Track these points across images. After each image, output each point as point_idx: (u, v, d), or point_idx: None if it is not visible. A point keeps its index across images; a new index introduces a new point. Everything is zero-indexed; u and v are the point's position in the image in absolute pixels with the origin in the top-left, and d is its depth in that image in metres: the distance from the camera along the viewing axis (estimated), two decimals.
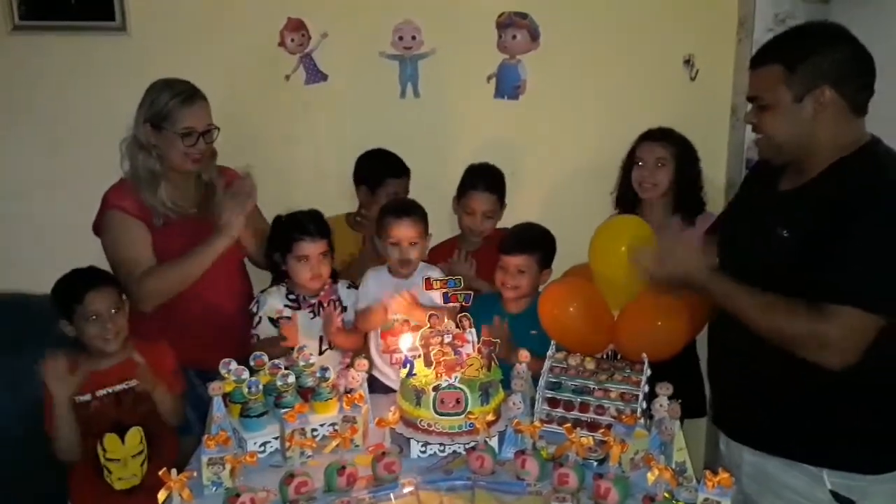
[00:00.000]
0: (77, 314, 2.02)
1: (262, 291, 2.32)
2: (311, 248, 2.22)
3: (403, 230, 2.23)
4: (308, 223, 2.24)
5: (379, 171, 2.61)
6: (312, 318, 2.26)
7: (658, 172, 2.39)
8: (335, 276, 2.35)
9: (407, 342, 1.93)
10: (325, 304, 2.27)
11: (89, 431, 2.01)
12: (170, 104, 2.13)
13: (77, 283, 2.05)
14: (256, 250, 2.37)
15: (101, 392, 2.02)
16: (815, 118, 1.60)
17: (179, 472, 1.54)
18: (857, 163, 1.59)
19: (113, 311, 2.05)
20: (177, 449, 2.15)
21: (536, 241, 2.31)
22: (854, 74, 1.59)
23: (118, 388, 2.04)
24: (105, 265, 2.19)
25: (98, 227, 2.21)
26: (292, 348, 2.11)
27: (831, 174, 1.61)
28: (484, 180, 2.56)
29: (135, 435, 2.04)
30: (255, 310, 2.25)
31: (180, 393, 2.14)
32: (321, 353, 2.25)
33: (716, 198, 2.75)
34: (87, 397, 2.02)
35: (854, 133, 1.62)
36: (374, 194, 2.59)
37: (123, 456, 2.03)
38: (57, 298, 2.06)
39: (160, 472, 1.50)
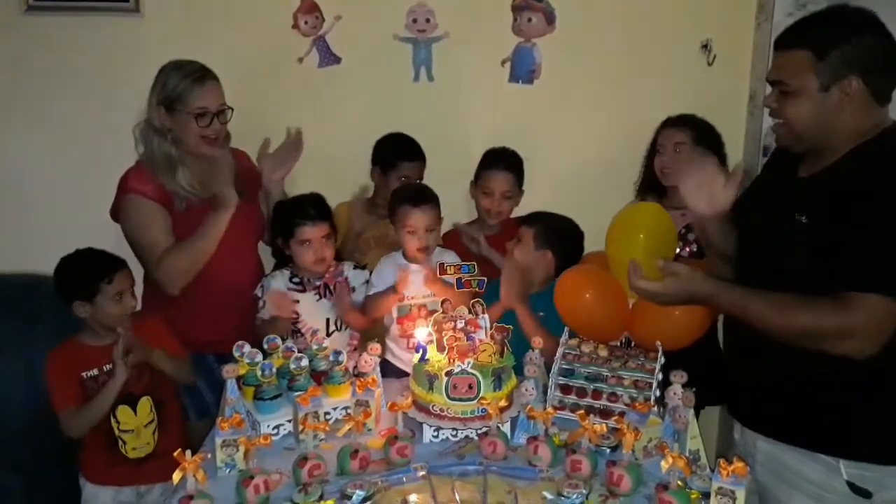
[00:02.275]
0: (103, 294, 2.05)
1: (267, 275, 2.33)
2: (313, 231, 2.21)
3: (420, 219, 2.22)
4: (309, 207, 2.24)
5: (392, 153, 2.60)
6: (318, 301, 2.26)
7: (678, 158, 2.35)
8: (339, 257, 2.35)
9: (423, 333, 1.91)
10: (332, 286, 2.27)
11: None
12: (182, 85, 2.12)
13: (105, 264, 2.08)
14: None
15: (107, 366, 2.05)
16: (840, 108, 1.56)
17: (194, 452, 1.55)
18: (877, 148, 1.56)
19: (132, 290, 2.13)
20: (181, 415, 2.23)
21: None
22: (883, 65, 1.55)
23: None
24: (122, 247, 2.19)
25: (117, 212, 2.21)
26: (294, 332, 2.16)
27: (850, 160, 1.58)
28: (503, 160, 2.56)
29: (145, 404, 2.11)
30: (259, 293, 2.26)
31: (183, 356, 2.18)
32: (328, 334, 2.25)
33: None
34: (95, 372, 2.06)
35: (875, 119, 1.59)
36: (385, 176, 2.59)
37: (136, 426, 2.10)
38: (77, 280, 2.08)
39: (175, 454, 1.50)
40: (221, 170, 2.16)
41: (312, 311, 2.26)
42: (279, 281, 2.27)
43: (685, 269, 1.71)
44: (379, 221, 2.56)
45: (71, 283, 2.08)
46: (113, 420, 2.07)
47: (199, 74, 2.14)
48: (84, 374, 2.06)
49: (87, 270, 2.07)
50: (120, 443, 2.10)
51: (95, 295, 2.05)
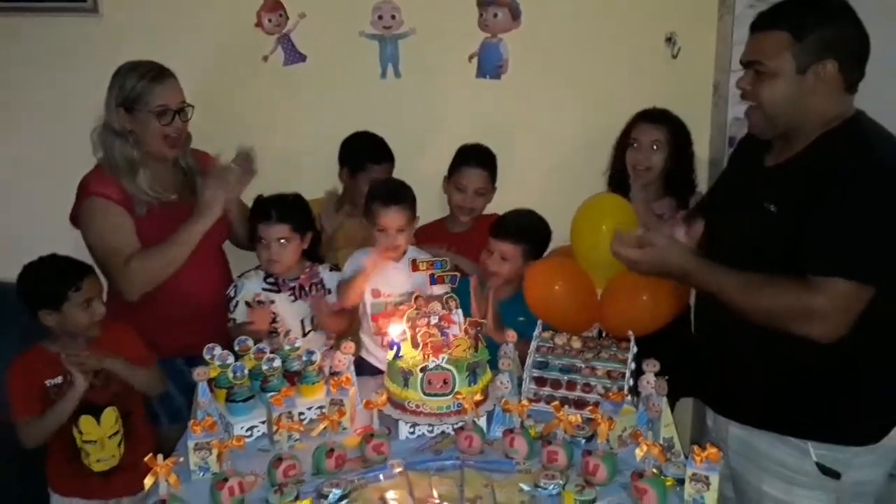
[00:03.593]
0: (71, 301, 1.99)
1: (241, 275, 2.30)
2: (268, 231, 2.20)
3: (391, 218, 2.20)
4: (270, 207, 2.22)
5: (360, 155, 2.58)
6: (293, 301, 2.25)
7: (653, 155, 2.37)
8: (315, 258, 2.33)
9: (397, 330, 1.90)
10: (307, 288, 2.25)
11: None
12: (140, 85, 2.08)
13: (72, 271, 2.03)
14: (240, 232, 2.35)
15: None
16: (813, 91, 1.58)
17: (167, 457, 1.52)
18: (843, 136, 1.59)
19: (100, 296, 2.07)
20: (151, 428, 2.17)
21: (528, 232, 2.29)
22: (856, 52, 1.59)
23: None
24: (81, 253, 2.14)
25: (77, 217, 2.15)
26: (270, 332, 2.13)
27: (817, 148, 1.61)
28: (476, 157, 2.56)
29: (110, 415, 2.05)
30: (232, 294, 2.24)
31: (153, 364, 2.14)
32: (304, 335, 2.23)
33: (698, 176, 2.76)
34: (59, 380, 2.00)
35: (843, 107, 1.62)
36: (354, 177, 2.57)
37: (100, 437, 2.04)
38: (43, 288, 2.01)
39: (146, 458, 1.48)
40: (218, 178, 2.13)
41: (287, 312, 2.24)
42: (253, 281, 2.25)
43: (663, 239, 1.74)
44: (347, 221, 2.53)
45: (37, 292, 2.01)
46: (75, 430, 2.01)
47: (157, 73, 2.11)
48: (47, 382, 2.00)
49: (53, 278, 2.01)
50: (83, 454, 2.03)
51: (63, 303, 1.99)
